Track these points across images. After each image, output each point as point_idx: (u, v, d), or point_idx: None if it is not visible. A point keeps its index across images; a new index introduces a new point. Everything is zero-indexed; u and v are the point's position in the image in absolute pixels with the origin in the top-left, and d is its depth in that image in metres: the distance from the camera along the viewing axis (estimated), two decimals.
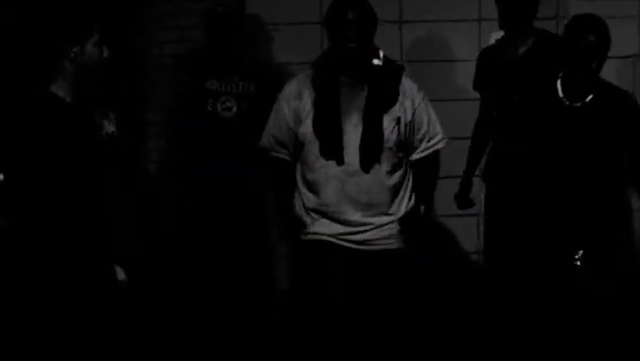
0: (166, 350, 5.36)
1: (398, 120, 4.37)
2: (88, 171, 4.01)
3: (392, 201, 4.41)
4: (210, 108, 5.42)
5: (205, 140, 5.43)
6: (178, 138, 5.61)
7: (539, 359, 4.55)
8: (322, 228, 4.41)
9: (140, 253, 5.02)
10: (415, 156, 4.46)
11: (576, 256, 4.37)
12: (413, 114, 4.40)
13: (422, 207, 4.47)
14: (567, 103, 4.43)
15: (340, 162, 4.33)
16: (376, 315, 4.39)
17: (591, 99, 4.41)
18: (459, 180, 5.44)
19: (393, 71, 4.43)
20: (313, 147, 4.37)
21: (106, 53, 4.02)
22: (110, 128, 4.25)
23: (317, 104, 4.36)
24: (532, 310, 4.57)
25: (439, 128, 4.49)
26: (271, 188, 4.75)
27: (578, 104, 4.43)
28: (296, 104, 4.41)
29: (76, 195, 3.98)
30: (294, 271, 4.69)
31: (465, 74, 5.69)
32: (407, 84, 4.44)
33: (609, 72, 4.68)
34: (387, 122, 4.35)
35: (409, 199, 4.46)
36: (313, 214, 4.42)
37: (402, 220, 4.41)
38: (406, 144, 4.42)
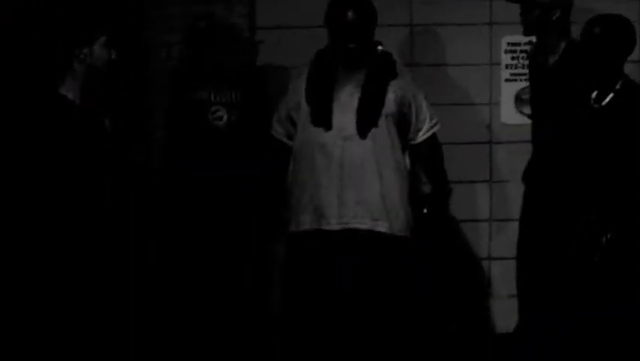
0: (167, 350, 5.32)
1: (396, 93, 4.49)
2: (93, 172, 4.01)
3: (381, 177, 4.47)
4: (202, 118, 5.40)
5: (198, 149, 5.43)
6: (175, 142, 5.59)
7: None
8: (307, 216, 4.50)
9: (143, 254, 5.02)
10: (419, 139, 4.59)
11: (603, 238, 4.32)
12: (410, 95, 4.54)
13: (428, 187, 4.62)
14: (595, 106, 4.40)
15: (328, 126, 4.41)
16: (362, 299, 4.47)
17: (612, 98, 4.37)
18: (470, 185, 5.43)
19: (391, 61, 4.56)
20: (307, 117, 4.50)
21: (114, 55, 4.03)
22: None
23: (310, 75, 4.52)
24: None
25: (433, 112, 4.62)
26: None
27: (597, 106, 4.40)
28: (298, 82, 4.57)
29: (80, 196, 4.00)
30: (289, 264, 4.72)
31: (476, 77, 5.65)
32: (403, 70, 4.62)
33: None
34: (388, 91, 4.48)
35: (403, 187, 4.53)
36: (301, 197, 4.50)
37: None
38: (404, 126, 4.54)
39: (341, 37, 4.40)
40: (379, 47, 4.53)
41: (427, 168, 4.66)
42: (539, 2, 4.61)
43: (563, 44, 4.66)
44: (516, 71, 5.65)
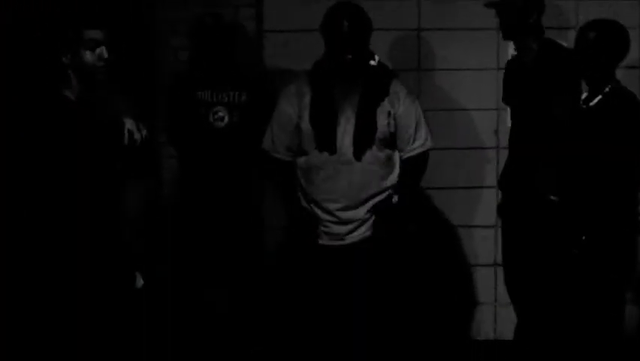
0: (171, 350, 5.36)
1: (389, 114, 4.55)
2: (93, 172, 4.02)
3: (378, 192, 4.58)
4: (203, 119, 5.39)
5: (199, 150, 5.44)
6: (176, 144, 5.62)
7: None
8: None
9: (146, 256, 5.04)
10: (406, 156, 4.65)
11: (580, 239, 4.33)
12: (401, 112, 4.57)
13: (395, 197, 4.62)
14: (583, 106, 4.42)
15: (333, 151, 4.51)
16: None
17: (600, 101, 4.37)
18: (477, 190, 5.44)
19: (385, 73, 4.62)
20: (310, 139, 4.55)
21: (105, 55, 4.02)
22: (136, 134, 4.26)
23: (314, 100, 4.55)
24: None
25: (424, 132, 4.65)
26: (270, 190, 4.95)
27: (585, 106, 4.41)
28: (296, 101, 4.60)
29: (89, 198, 4.01)
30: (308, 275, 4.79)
31: (483, 82, 5.64)
32: (397, 86, 4.62)
33: None
34: (379, 115, 4.53)
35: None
36: (314, 206, 4.60)
37: (373, 208, 4.59)
38: (396, 141, 4.61)
39: (337, 47, 4.44)
40: (372, 62, 4.58)
41: (404, 181, 4.67)
42: (516, 6, 4.71)
43: (535, 45, 4.79)
44: None
